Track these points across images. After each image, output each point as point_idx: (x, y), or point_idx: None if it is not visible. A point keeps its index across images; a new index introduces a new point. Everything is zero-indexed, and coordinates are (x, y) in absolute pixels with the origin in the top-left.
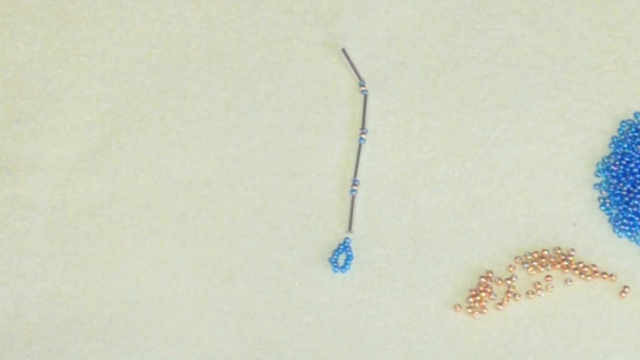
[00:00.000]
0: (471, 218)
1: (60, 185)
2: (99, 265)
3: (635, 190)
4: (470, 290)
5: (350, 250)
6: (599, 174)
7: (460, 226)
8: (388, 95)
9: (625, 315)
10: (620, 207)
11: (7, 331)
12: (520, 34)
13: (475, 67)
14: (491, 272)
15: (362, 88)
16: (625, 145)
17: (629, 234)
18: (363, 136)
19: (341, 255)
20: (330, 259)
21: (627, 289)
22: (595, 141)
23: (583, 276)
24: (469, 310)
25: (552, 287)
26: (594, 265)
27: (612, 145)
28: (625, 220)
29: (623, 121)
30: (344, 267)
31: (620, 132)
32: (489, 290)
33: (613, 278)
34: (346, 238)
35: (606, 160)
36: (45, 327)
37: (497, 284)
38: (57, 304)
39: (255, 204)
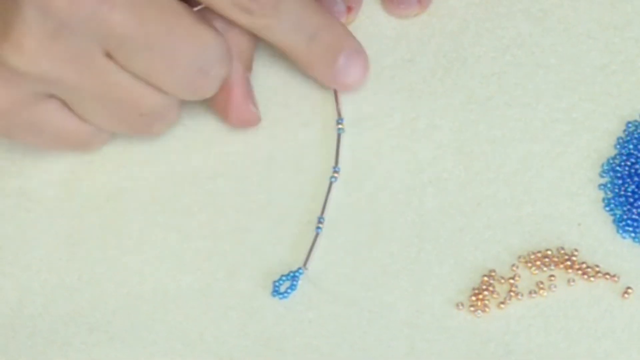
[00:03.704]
0: (475, 216)
1: (66, 178)
2: (104, 258)
3: None
4: (473, 289)
5: (296, 281)
6: (604, 175)
7: (465, 224)
8: (395, 92)
9: (628, 316)
10: (625, 208)
11: (11, 322)
12: (528, 33)
13: (482, 65)
14: (494, 271)
15: (339, 126)
16: (631, 146)
17: (632, 235)
18: (335, 175)
19: (285, 283)
20: (274, 282)
21: (629, 290)
22: (601, 142)
23: (586, 276)
24: (472, 309)
25: (555, 287)
26: (597, 266)
27: (618, 146)
28: (629, 222)
29: (629, 122)
30: (283, 294)
31: (626, 132)
32: (491, 289)
33: (616, 279)
34: (299, 268)
35: (611, 161)
36: (48, 318)
37: (500, 283)
38: (61, 296)
39: (261, 199)
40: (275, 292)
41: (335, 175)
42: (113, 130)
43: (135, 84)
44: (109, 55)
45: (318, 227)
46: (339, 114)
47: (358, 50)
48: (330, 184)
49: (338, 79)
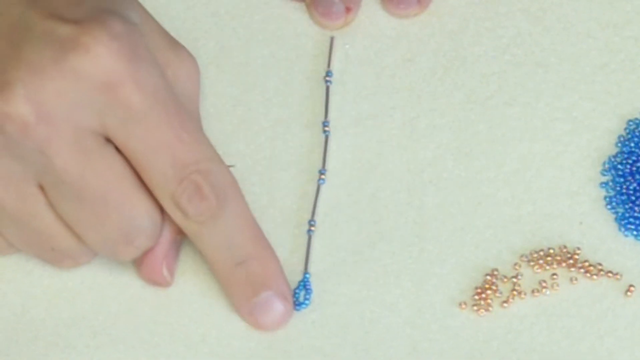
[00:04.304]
0: (477, 216)
1: None
2: (105, 261)
3: None
4: (476, 288)
5: (309, 286)
6: (605, 173)
7: (466, 224)
8: (395, 92)
9: (631, 314)
10: (627, 206)
11: (14, 326)
12: (527, 32)
13: (482, 64)
14: (497, 270)
15: (326, 128)
16: (632, 144)
17: (634, 233)
18: (322, 177)
19: (302, 292)
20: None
21: (632, 288)
22: (601, 140)
23: (588, 275)
24: (474, 308)
25: (558, 285)
26: (599, 264)
27: (619, 144)
28: (631, 219)
29: (630, 120)
30: (303, 303)
31: (627, 131)
32: (494, 288)
33: (618, 277)
34: (305, 274)
35: (612, 159)
36: (51, 322)
37: (503, 282)
38: (63, 300)
39: (262, 200)
40: (298, 305)
41: (322, 177)
42: (21, 250)
43: (56, 222)
44: (41, 187)
45: (310, 230)
46: (326, 115)
47: (284, 295)
48: (319, 186)
49: (253, 314)
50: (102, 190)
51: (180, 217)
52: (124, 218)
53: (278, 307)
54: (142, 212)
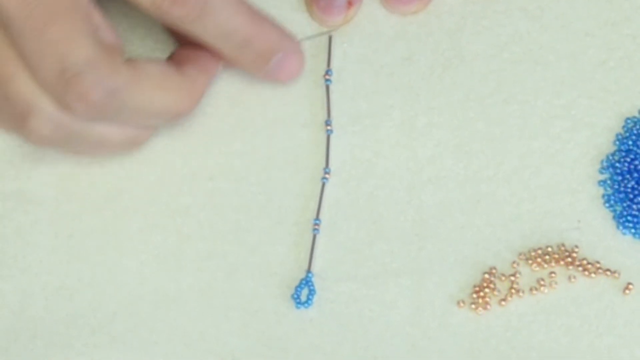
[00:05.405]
0: (475, 214)
1: (65, 180)
2: (104, 260)
3: None
4: (474, 287)
5: (312, 286)
6: (604, 171)
7: (465, 222)
8: (393, 90)
9: (629, 312)
10: (625, 205)
11: (12, 325)
12: (526, 30)
13: (481, 63)
14: (495, 268)
15: (328, 127)
16: (630, 143)
17: (633, 231)
18: (327, 176)
19: (303, 291)
20: (292, 295)
21: (630, 286)
22: (600, 138)
23: (587, 273)
24: (473, 306)
25: (556, 283)
26: (597, 262)
27: (617, 142)
28: (629, 218)
29: (628, 118)
30: (306, 303)
31: (625, 129)
32: (492, 286)
33: (617, 275)
34: (308, 273)
35: (611, 158)
36: (49, 320)
37: (501, 280)
38: (61, 298)
39: (260, 199)
40: (299, 303)
41: (327, 176)
42: None
43: (15, 60)
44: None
45: (315, 229)
46: (328, 114)
47: (293, 50)
48: (323, 185)
49: (271, 76)
50: (41, 24)
51: (171, 21)
52: (61, 53)
53: (291, 61)
54: (80, 48)
